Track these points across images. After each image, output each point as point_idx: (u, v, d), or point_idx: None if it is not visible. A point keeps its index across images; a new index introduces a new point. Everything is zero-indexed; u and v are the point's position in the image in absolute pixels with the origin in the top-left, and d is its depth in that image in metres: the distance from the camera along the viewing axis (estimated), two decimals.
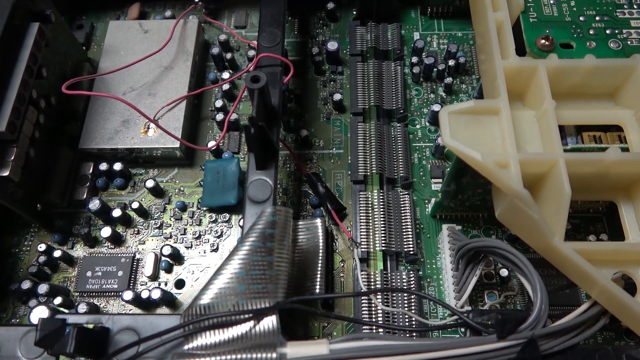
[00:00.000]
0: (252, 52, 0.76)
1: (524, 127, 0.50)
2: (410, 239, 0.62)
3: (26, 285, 0.61)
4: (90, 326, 0.46)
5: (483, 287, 0.61)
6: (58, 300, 0.61)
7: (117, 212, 0.65)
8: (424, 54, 0.75)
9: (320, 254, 0.59)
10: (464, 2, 0.77)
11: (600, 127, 0.53)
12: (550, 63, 0.50)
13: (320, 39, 0.80)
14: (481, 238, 0.57)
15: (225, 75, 0.74)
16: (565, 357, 0.44)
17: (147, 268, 0.64)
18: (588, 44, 0.56)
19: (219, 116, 0.71)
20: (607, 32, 0.57)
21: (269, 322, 0.44)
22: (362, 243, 0.62)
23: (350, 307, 0.61)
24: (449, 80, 0.72)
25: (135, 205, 0.66)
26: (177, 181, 0.70)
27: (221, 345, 0.44)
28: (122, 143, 0.68)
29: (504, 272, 0.60)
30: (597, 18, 0.58)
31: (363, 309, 0.58)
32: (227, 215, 0.67)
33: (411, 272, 0.60)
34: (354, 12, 0.81)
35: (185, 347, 0.44)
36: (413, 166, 0.69)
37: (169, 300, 0.62)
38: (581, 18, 0.58)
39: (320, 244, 0.60)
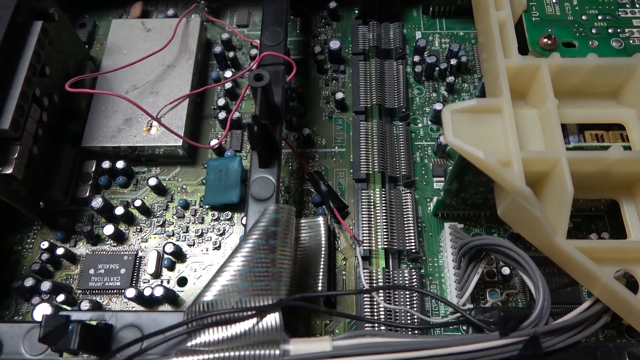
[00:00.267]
0: (254, 51, 0.76)
1: (527, 125, 0.50)
2: (412, 237, 0.62)
3: (29, 282, 0.61)
4: (94, 323, 0.47)
5: (485, 285, 0.61)
6: (61, 297, 0.61)
7: (119, 210, 0.65)
8: (425, 52, 0.75)
9: (323, 252, 0.59)
10: (465, 1, 0.77)
11: (602, 125, 0.53)
12: (553, 62, 0.50)
13: (322, 37, 0.80)
14: (483, 236, 0.57)
15: (228, 73, 0.75)
16: (567, 355, 0.44)
17: (150, 266, 0.64)
18: (590, 43, 0.56)
19: (222, 114, 0.71)
20: (610, 31, 0.57)
21: (272, 319, 0.44)
22: (364, 241, 0.62)
23: (353, 305, 0.61)
24: (450, 79, 0.72)
25: (137, 203, 0.66)
26: (179, 179, 0.70)
27: (224, 342, 0.44)
28: (125, 141, 0.68)
29: (506, 270, 0.60)
30: (600, 17, 0.58)
31: (365, 306, 0.58)
32: (230, 213, 0.67)
33: (413, 270, 0.61)
34: (356, 11, 0.82)
35: (189, 343, 0.44)
36: (415, 165, 0.69)
37: (171, 297, 0.62)
38: (584, 17, 0.58)
39: (323, 242, 0.60)
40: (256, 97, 0.54)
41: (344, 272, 0.64)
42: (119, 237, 0.66)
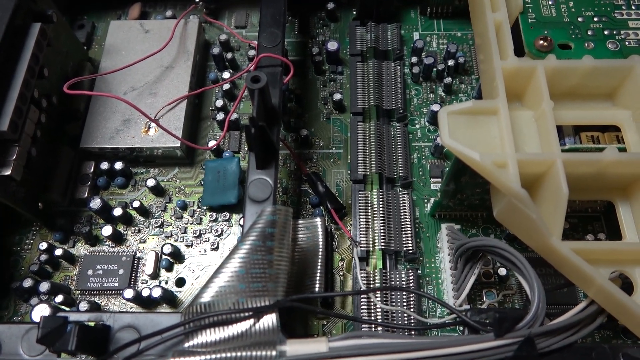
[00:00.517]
0: (252, 52, 0.77)
1: (523, 127, 0.50)
2: (410, 238, 0.62)
3: (28, 283, 0.62)
4: (92, 324, 0.47)
5: (481, 286, 0.61)
6: (59, 298, 0.61)
7: (118, 211, 0.65)
8: (423, 54, 0.76)
9: (320, 253, 0.60)
10: (463, 2, 0.77)
11: (598, 127, 0.53)
12: (549, 64, 0.50)
13: (320, 39, 0.80)
14: (480, 237, 0.58)
15: (226, 75, 0.75)
16: (562, 356, 0.44)
17: (148, 266, 0.64)
18: (586, 44, 0.56)
19: (220, 116, 0.71)
20: (605, 32, 0.57)
21: (269, 320, 0.45)
22: (362, 242, 0.62)
23: (350, 306, 0.61)
24: (448, 80, 0.73)
25: (136, 204, 0.66)
26: (177, 180, 0.70)
27: (221, 343, 0.44)
28: (123, 142, 0.68)
29: (503, 271, 0.60)
30: (596, 19, 0.58)
31: (362, 307, 0.58)
32: (228, 214, 0.67)
33: (410, 271, 0.61)
34: (354, 12, 0.82)
35: (186, 344, 0.44)
36: (412, 166, 0.69)
37: (169, 298, 0.62)
38: (579, 19, 0.58)
39: (320, 243, 0.60)
40: (253, 99, 0.54)
41: (341, 273, 0.64)
42: (118, 238, 0.66)
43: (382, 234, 0.62)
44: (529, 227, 0.46)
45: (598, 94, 0.53)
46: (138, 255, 0.66)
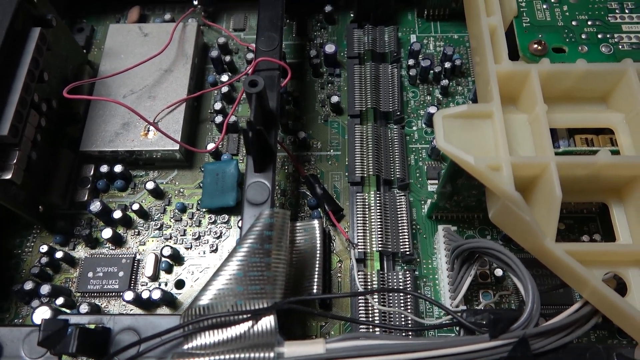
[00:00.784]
0: (250, 55, 0.77)
1: (517, 130, 0.51)
2: (407, 240, 0.63)
3: (28, 285, 0.62)
4: (92, 326, 0.48)
5: (478, 287, 0.62)
6: (60, 300, 0.62)
7: (117, 214, 0.66)
8: (420, 56, 0.76)
9: (318, 255, 0.60)
10: (460, 4, 0.78)
11: (593, 129, 0.54)
12: (543, 67, 0.51)
13: (318, 41, 0.81)
14: (475, 239, 0.58)
15: (224, 77, 0.75)
16: (557, 356, 0.45)
17: (148, 269, 0.65)
18: (580, 48, 0.57)
19: (218, 118, 0.72)
20: (599, 36, 0.57)
21: (267, 322, 0.45)
22: (359, 244, 0.63)
23: (348, 307, 0.62)
24: (445, 82, 0.73)
25: (135, 206, 0.67)
26: (176, 183, 0.71)
27: (220, 345, 0.44)
28: (123, 145, 0.69)
29: (499, 272, 0.61)
30: (589, 23, 0.58)
31: (360, 309, 0.59)
32: (226, 216, 0.68)
33: (407, 272, 0.61)
34: (352, 15, 0.82)
35: (185, 346, 0.45)
36: (409, 167, 0.70)
37: (169, 300, 0.63)
38: (573, 23, 0.58)
39: (318, 245, 0.61)
40: (251, 102, 0.55)
41: (339, 275, 0.64)
42: (117, 241, 0.67)
43: (379, 236, 0.63)
44: (524, 229, 0.47)
45: (592, 97, 0.54)
46: (138, 257, 0.66)
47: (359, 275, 0.61)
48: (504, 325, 0.43)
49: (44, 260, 0.65)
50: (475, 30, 0.58)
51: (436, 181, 0.69)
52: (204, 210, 0.68)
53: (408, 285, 0.60)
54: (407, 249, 0.63)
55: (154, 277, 0.65)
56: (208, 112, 0.76)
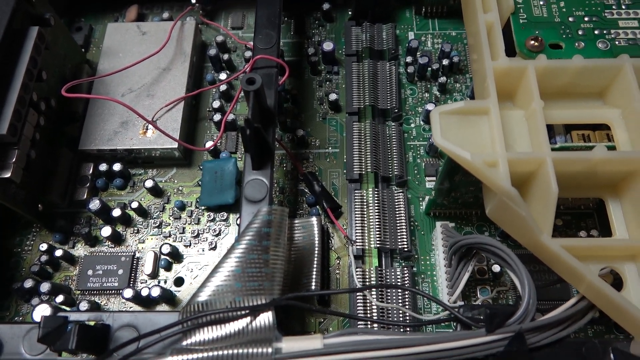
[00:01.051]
0: (248, 53, 0.77)
1: (514, 126, 0.51)
2: (405, 236, 0.63)
3: (28, 284, 0.62)
4: (92, 323, 0.48)
5: (476, 283, 0.62)
6: (60, 298, 0.62)
7: (117, 212, 0.66)
8: (418, 53, 0.76)
9: (316, 252, 0.61)
10: (457, 1, 0.78)
11: (589, 125, 0.54)
12: (539, 64, 0.51)
13: (316, 39, 0.81)
14: (472, 235, 0.58)
15: (223, 76, 0.76)
16: (553, 351, 0.45)
17: (147, 266, 0.65)
18: (577, 44, 0.57)
19: (217, 117, 0.72)
20: (596, 32, 0.58)
21: (265, 318, 0.46)
22: (357, 240, 0.63)
23: (346, 304, 0.62)
24: (443, 79, 0.73)
25: (134, 205, 0.67)
26: (175, 181, 0.71)
27: (218, 341, 0.45)
28: (121, 144, 0.69)
29: (497, 268, 0.61)
30: (586, 19, 0.59)
31: (358, 305, 0.59)
32: (225, 214, 0.68)
33: (405, 268, 0.62)
34: (350, 13, 0.82)
35: (184, 342, 0.45)
36: (407, 164, 0.70)
37: (168, 297, 0.63)
38: (570, 19, 0.59)
39: (316, 242, 0.61)
40: (249, 100, 0.55)
41: (337, 271, 0.65)
42: (117, 239, 0.67)
43: (377, 232, 0.63)
44: (520, 224, 0.47)
45: (589, 92, 0.54)
46: (137, 255, 0.66)
47: (357, 271, 0.61)
48: (500, 320, 0.43)
49: (44, 258, 0.65)
50: (472, 28, 0.59)
51: (434, 178, 0.69)
52: (202, 208, 0.69)
53: (406, 282, 0.61)
54: (405, 246, 0.63)
55: (153, 275, 0.65)
56: (206, 111, 0.76)
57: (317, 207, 0.68)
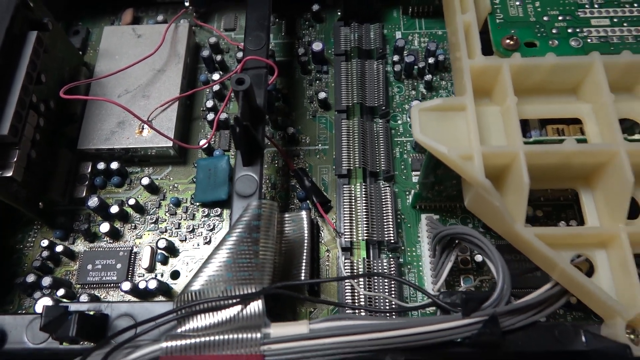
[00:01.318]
0: (241, 54, 0.80)
1: (490, 121, 0.54)
2: (392, 229, 0.66)
3: (31, 278, 0.65)
4: (91, 313, 0.50)
5: (459, 272, 0.64)
6: (61, 292, 0.65)
7: (114, 209, 0.69)
8: (405, 52, 0.79)
9: (306, 244, 0.63)
10: (442, 1, 0.80)
11: (564, 120, 0.57)
12: (514, 62, 0.54)
13: (306, 39, 0.83)
14: (453, 226, 0.60)
15: (216, 76, 0.78)
16: (527, 333, 0.48)
17: (144, 260, 0.67)
18: (551, 42, 0.59)
19: (210, 116, 0.74)
20: (569, 30, 0.60)
21: (255, 306, 0.48)
22: (346, 233, 0.65)
23: (335, 293, 0.65)
24: (429, 77, 0.76)
25: (132, 202, 0.70)
26: (171, 178, 0.74)
27: (211, 328, 0.47)
28: (118, 143, 0.71)
29: (479, 258, 0.63)
30: (560, 18, 0.61)
31: (346, 294, 0.62)
32: (219, 209, 0.71)
33: (392, 259, 0.64)
34: (339, 13, 0.85)
35: (179, 329, 0.48)
36: (394, 160, 0.72)
37: (165, 290, 0.65)
38: (545, 18, 0.61)
39: (306, 235, 0.64)
40: (239, 100, 0.57)
41: (327, 263, 0.67)
42: (115, 235, 0.70)
43: (365, 225, 0.66)
44: (495, 214, 0.49)
45: (562, 89, 0.56)
46: (135, 250, 0.69)
47: (345, 263, 0.63)
48: (474, 304, 0.46)
49: (45, 254, 0.68)
50: (452, 27, 0.61)
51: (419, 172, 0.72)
52: (197, 204, 0.71)
53: (393, 272, 0.63)
54: (392, 238, 0.65)
55: (150, 269, 0.68)
56: (200, 110, 0.79)
57: (308, 201, 0.70)
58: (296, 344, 0.45)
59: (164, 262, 0.68)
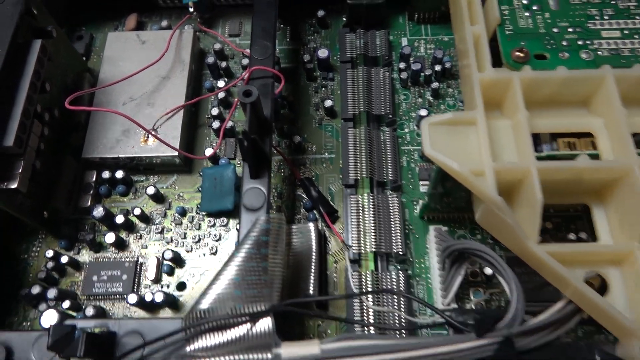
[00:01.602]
0: (246, 61, 0.79)
1: (501, 135, 0.53)
2: (400, 240, 0.65)
3: (36, 290, 0.65)
4: (98, 330, 0.50)
5: (469, 285, 0.64)
6: (66, 304, 0.64)
7: (120, 219, 0.68)
8: (411, 59, 0.78)
9: (313, 257, 0.63)
10: (449, 7, 0.79)
11: (575, 133, 0.56)
12: (524, 75, 0.53)
13: (311, 45, 0.83)
14: (464, 240, 0.60)
15: (221, 83, 0.77)
16: (541, 353, 0.47)
17: (150, 272, 0.67)
18: (561, 54, 0.59)
19: (216, 124, 0.74)
20: (579, 42, 0.59)
21: (265, 324, 0.48)
22: (353, 245, 0.65)
23: (343, 307, 0.64)
24: (435, 85, 0.75)
25: (137, 211, 0.69)
26: (176, 187, 0.73)
27: (220, 347, 0.47)
28: (123, 152, 0.71)
29: (489, 271, 0.63)
30: (570, 29, 0.60)
31: (355, 309, 0.61)
32: (225, 219, 0.70)
33: (400, 271, 0.64)
34: (344, 19, 0.84)
35: (187, 348, 0.47)
36: (402, 169, 0.72)
37: (171, 302, 0.65)
38: (555, 30, 0.60)
39: (313, 247, 0.63)
40: (246, 112, 0.57)
41: (335, 275, 0.67)
42: (120, 245, 0.69)
43: (373, 237, 0.65)
44: (507, 231, 0.49)
45: (573, 101, 0.56)
46: (140, 261, 0.68)
47: (353, 276, 0.63)
48: (489, 325, 0.45)
49: (50, 265, 0.67)
50: (460, 35, 0.60)
51: (428, 182, 0.71)
52: (203, 213, 0.71)
53: (401, 285, 0.63)
54: (400, 249, 0.65)
55: (157, 280, 0.67)
56: (205, 117, 0.78)
57: (314, 211, 0.70)
58: None
59: (170, 273, 0.68)
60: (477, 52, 0.55)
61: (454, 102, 0.76)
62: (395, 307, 0.61)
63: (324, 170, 0.73)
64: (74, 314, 0.65)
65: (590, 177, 0.50)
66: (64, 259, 0.67)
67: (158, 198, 0.72)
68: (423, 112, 0.72)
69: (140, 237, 0.70)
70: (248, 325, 0.48)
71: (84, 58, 0.82)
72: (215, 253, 0.69)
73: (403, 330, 0.59)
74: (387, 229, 0.66)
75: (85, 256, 0.69)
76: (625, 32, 0.60)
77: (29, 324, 0.66)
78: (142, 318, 0.62)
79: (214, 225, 0.70)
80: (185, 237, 0.70)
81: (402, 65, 0.77)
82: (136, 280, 0.67)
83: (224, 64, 0.79)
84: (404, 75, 0.77)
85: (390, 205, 0.68)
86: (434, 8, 0.81)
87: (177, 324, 0.49)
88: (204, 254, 0.69)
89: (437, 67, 0.76)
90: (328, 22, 0.84)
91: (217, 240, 0.69)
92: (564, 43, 0.59)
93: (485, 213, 0.51)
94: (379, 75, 0.76)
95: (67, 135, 0.73)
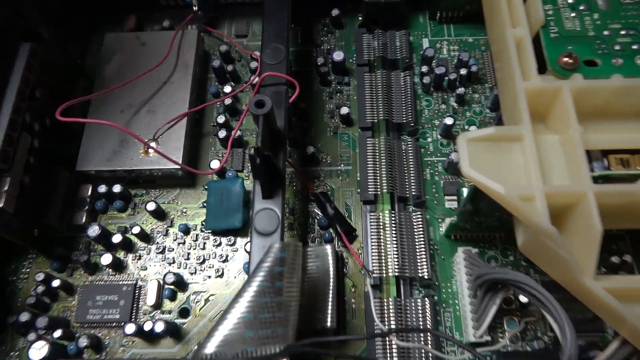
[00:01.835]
0: (254, 64, 0.73)
1: (548, 152, 0.47)
2: (425, 262, 0.59)
3: (24, 317, 0.59)
4: None
5: (502, 313, 0.58)
6: (58, 333, 0.59)
7: (117, 238, 0.62)
8: (433, 62, 0.72)
9: (331, 283, 0.57)
10: (474, 6, 0.73)
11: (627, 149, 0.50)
12: (575, 84, 0.47)
13: (325, 47, 0.76)
14: (503, 270, 0.53)
15: (227, 88, 0.71)
16: None
17: (150, 296, 0.61)
18: (614, 60, 0.52)
19: (222, 133, 0.68)
20: (634, 47, 0.53)
21: None
22: (374, 268, 0.59)
23: (364, 333, 0.58)
24: (461, 90, 0.69)
25: (136, 230, 0.63)
26: (179, 202, 0.67)
27: None
28: (121, 164, 0.65)
29: (524, 298, 0.57)
30: (623, 32, 0.54)
31: (377, 344, 0.55)
32: (232, 238, 0.64)
33: (426, 298, 0.58)
34: (360, 18, 0.78)
35: None
36: (425, 183, 0.66)
37: (173, 331, 0.59)
38: (605, 32, 0.54)
39: (331, 272, 0.57)
40: (258, 124, 0.51)
41: (353, 300, 0.61)
42: (118, 266, 0.63)
43: (395, 259, 0.59)
44: (558, 263, 0.43)
45: (627, 112, 0.49)
46: (139, 284, 0.62)
47: (375, 302, 0.57)
48: None
49: (40, 289, 0.61)
50: (496, 36, 0.54)
51: (453, 197, 0.65)
52: (208, 231, 0.65)
53: (427, 313, 0.57)
54: (426, 273, 0.59)
55: (157, 306, 0.61)
56: (211, 126, 0.72)
57: (330, 230, 0.63)
58: None
59: (172, 297, 0.62)
60: (520, 58, 0.49)
61: (480, 108, 0.70)
62: (422, 341, 0.55)
63: (340, 183, 0.67)
64: (66, 343, 0.59)
65: None
66: (56, 283, 0.61)
67: (159, 214, 0.65)
68: (449, 121, 0.66)
69: (140, 258, 0.64)
70: None
71: (79, 61, 0.76)
72: (221, 275, 0.62)
73: None
74: (411, 250, 0.60)
75: (79, 278, 0.63)
76: None
77: (17, 353, 0.60)
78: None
79: (220, 244, 0.64)
80: (188, 258, 0.63)
81: (424, 68, 0.71)
82: (135, 305, 0.61)
83: (230, 68, 0.73)
84: (426, 79, 0.70)
85: (414, 223, 0.62)
86: (457, 7, 0.75)
87: None
88: (209, 277, 0.63)
89: (463, 71, 0.70)
90: (343, 22, 0.78)
91: (223, 261, 0.63)
92: (617, 47, 0.53)
93: (532, 242, 0.45)
94: (399, 80, 0.70)
95: (60, 146, 0.67)
